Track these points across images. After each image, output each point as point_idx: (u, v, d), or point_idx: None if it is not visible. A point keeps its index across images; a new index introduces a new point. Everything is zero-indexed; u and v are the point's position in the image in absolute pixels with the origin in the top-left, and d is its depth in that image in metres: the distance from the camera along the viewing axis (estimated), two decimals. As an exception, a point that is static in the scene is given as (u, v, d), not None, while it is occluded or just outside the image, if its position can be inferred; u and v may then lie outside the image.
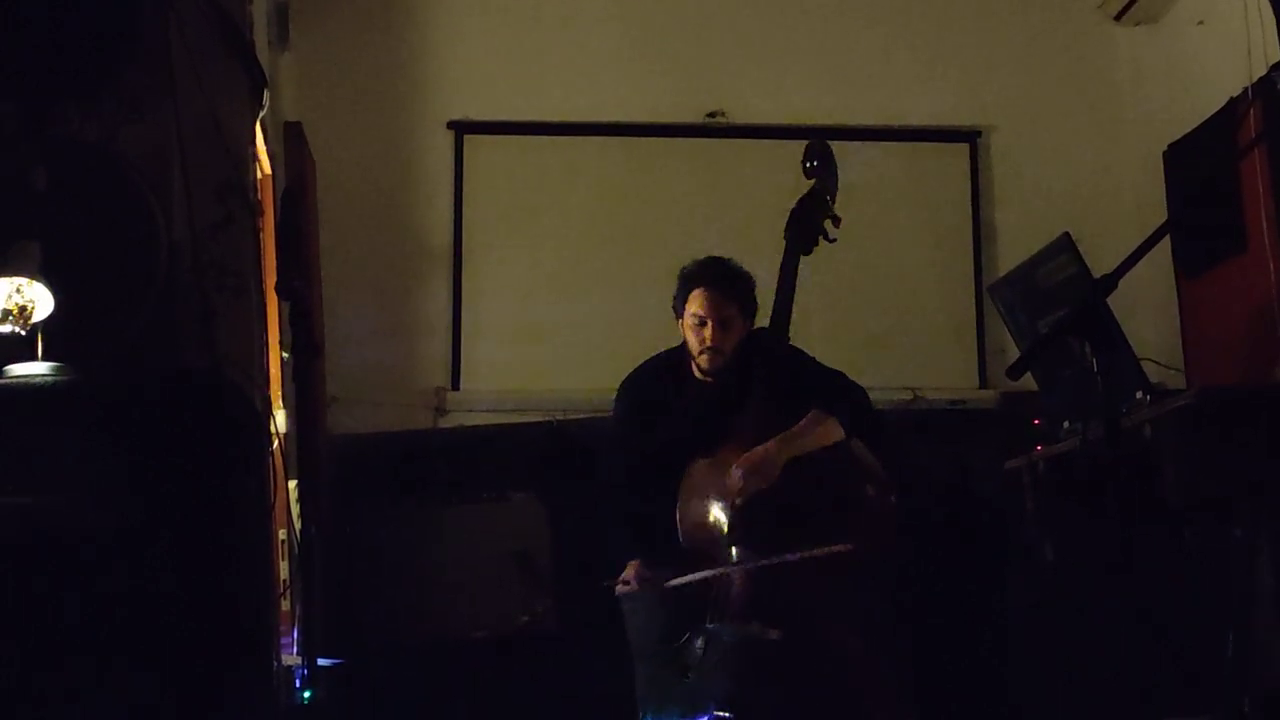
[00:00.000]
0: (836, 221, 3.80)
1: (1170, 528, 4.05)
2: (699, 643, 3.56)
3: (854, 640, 3.55)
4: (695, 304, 3.81)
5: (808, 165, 3.86)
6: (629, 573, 3.77)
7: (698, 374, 3.88)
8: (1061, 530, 4.73)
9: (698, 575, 3.56)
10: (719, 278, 3.83)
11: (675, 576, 3.61)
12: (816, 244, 3.79)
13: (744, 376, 3.74)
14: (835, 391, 3.76)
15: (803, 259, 3.76)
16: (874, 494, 3.65)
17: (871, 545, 3.56)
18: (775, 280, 3.73)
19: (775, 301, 3.72)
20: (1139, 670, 2.72)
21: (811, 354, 3.89)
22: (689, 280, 3.85)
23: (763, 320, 3.80)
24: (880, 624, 3.62)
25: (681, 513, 3.69)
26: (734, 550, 3.57)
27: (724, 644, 3.51)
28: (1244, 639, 3.76)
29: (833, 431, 3.66)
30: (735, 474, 3.55)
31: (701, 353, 3.82)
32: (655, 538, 3.73)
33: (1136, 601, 2.80)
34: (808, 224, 3.78)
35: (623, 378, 4.03)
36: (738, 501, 3.54)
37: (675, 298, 3.89)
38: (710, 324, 3.78)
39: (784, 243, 3.76)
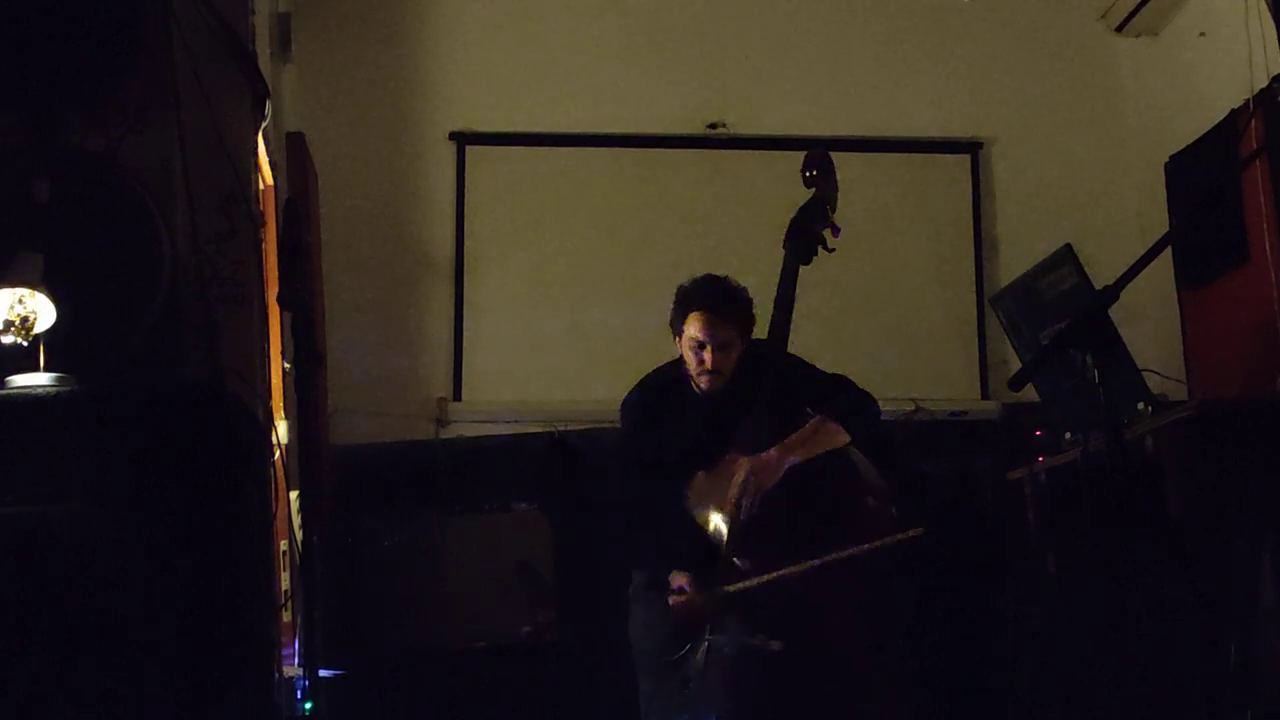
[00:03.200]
0: (836, 231, 3.77)
1: (1172, 539, 4.04)
2: (700, 654, 3.53)
3: (857, 651, 3.53)
4: (693, 327, 3.75)
5: (807, 174, 3.83)
6: (679, 580, 3.62)
7: (697, 390, 3.86)
8: (1063, 541, 4.73)
9: (752, 581, 3.47)
10: (717, 301, 3.76)
11: (724, 584, 3.51)
12: (815, 254, 3.76)
13: (744, 389, 3.71)
14: (838, 397, 3.74)
15: (802, 269, 3.73)
16: (874, 505, 3.62)
17: (871, 554, 3.56)
18: (774, 289, 3.72)
19: (774, 312, 3.68)
20: (1141, 683, 2.71)
21: (812, 363, 3.88)
22: (686, 302, 3.79)
23: (762, 329, 3.79)
24: (882, 633, 3.61)
25: None
26: (735, 560, 3.54)
27: (725, 655, 3.49)
28: (1247, 651, 3.75)
29: (836, 437, 3.63)
30: (735, 479, 3.53)
31: (701, 375, 3.78)
32: (679, 541, 3.67)
33: (1138, 613, 2.79)
34: (807, 234, 3.75)
35: (625, 389, 4.02)
36: (735, 507, 3.52)
37: (673, 317, 3.84)
38: (709, 348, 3.73)
39: (783, 253, 3.73)
